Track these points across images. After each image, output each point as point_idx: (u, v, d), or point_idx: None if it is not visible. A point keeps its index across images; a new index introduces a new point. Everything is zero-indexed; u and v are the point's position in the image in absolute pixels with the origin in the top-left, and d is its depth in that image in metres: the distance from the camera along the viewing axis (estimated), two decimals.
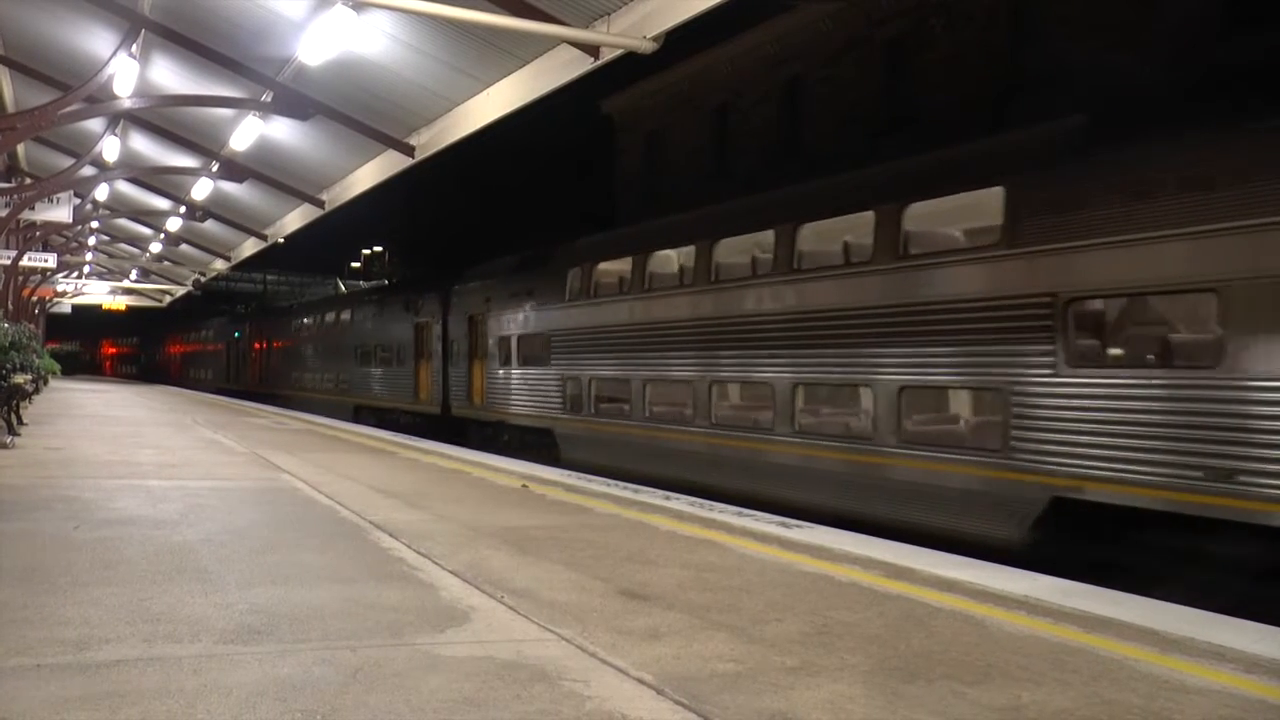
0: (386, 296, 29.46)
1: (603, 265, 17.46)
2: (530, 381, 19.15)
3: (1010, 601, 6.24)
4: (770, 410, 13.04)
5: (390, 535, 8.00)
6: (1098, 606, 6.13)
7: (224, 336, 51.06)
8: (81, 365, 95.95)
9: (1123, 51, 17.00)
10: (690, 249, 15.06)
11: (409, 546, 7.53)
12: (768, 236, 13.56)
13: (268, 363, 42.22)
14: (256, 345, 43.84)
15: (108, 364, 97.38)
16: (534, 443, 18.73)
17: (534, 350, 19.14)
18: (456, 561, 6.99)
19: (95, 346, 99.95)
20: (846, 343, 11.95)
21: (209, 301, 67.45)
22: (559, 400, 18.00)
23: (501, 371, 20.37)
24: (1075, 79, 17.25)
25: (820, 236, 13.08)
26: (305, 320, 37.83)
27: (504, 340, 20.30)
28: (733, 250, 14.56)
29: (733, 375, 14.04)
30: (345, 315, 32.50)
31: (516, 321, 19.89)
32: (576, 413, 17.40)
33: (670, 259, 16.01)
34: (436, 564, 6.91)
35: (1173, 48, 16.26)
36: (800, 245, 13.08)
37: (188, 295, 53.69)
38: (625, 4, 11.65)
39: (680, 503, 10.67)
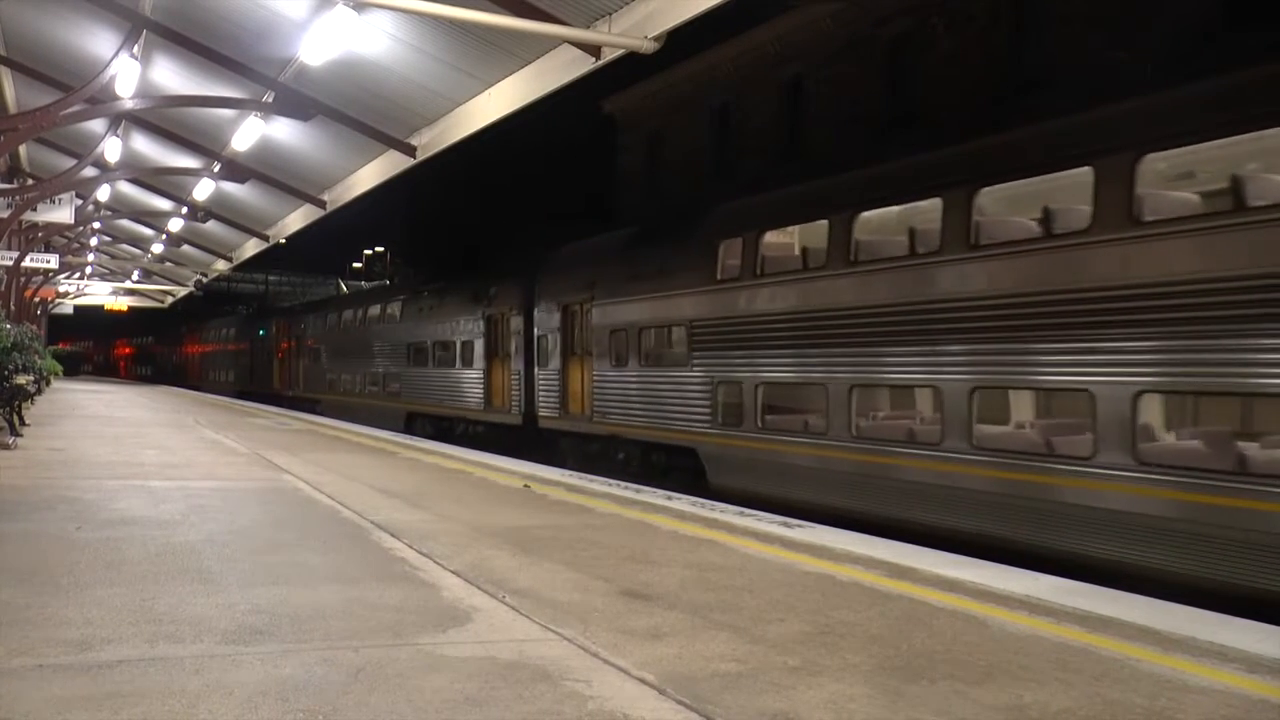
0: (448, 286, 25.12)
1: (775, 233, 13.74)
2: (659, 386, 15.33)
3: (1012, 601, 6.23)
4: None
5: (392, 535, 8.00)
6: (1099, 606, 6.13)
7: (247, 335, 46.52)
8: (95, 366, 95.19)
9: (1124, 50, 16.98)
10: (933, 203, 10.89)
11: (411, 547, 7.53)
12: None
13: (298, 364, 37.72)
14: (284, 344, 39.58)
15: (121, 364, 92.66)
16: (664, 464, 15.31)
17: (665, 346, 15.59)
18: (458, 562, 6.99)
19: (109, 347, 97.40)
20: None
21: (214, 302, 67.33)
22: (705, 410, 14.13)
23: (615, 373, 16.50)
24: (1077, 77, 17.24)
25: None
26: (345, 315, 33.14)
27: (618, 334, 16.49)
28: (1013, 200, 10.70)
29: (1030, 380, 9.94)
30: (394, 309, 28.38)
31: (637, 310, 16.01)
32: (733, 427, 13.54)
33: (898, 219, 12.03)
34: (438, 564, 6.91)
35: (1173, 46, 16.24)
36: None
37: (189, 296, 53.66)
38: (627, 4, 11.65)
39: (682, 502, 10.67)
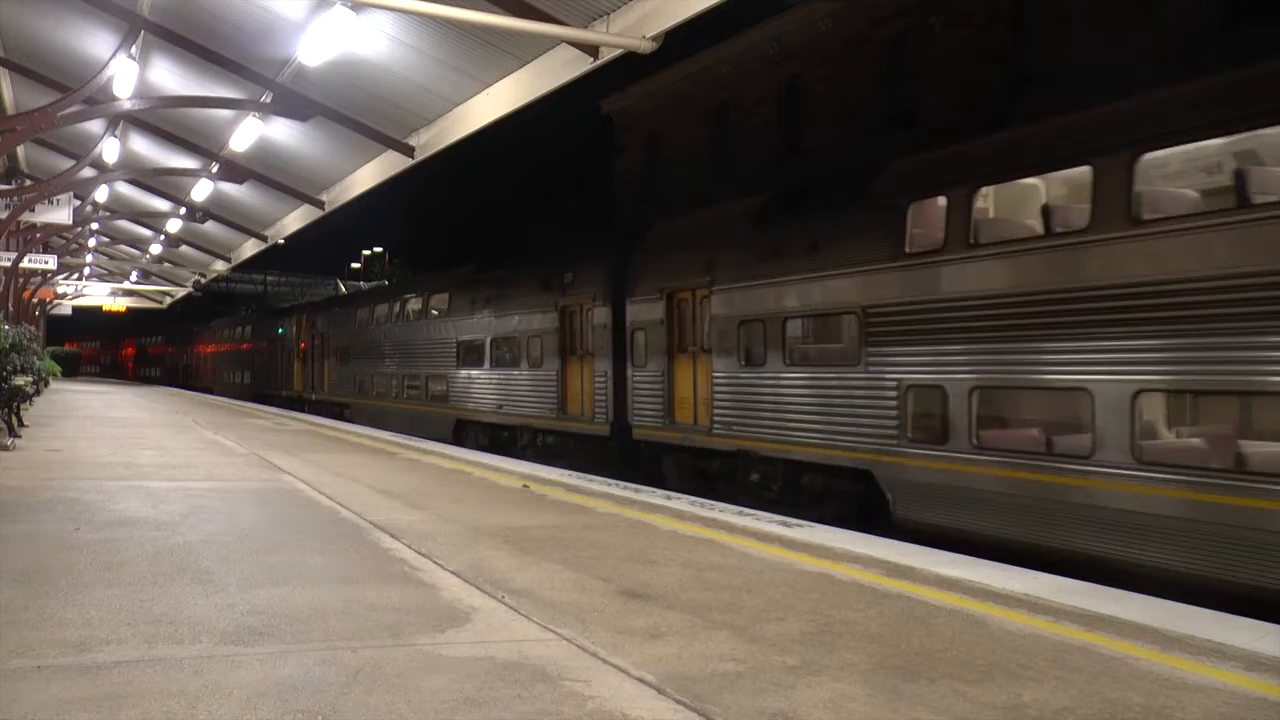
0: (510, 274, 21.60)
1: (999, 188, 10.76)
2: (815, 391, 12.35)
3: (1011, 600, 6.24)
4: None
5: (391, 536, 8.00)
6: (1098, 604, 6.13)
7: (264, 333, 42.77)
8: (103, 368, 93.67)
9: (1122, 49, 16.98)
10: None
11: (410, 547, 7.53)
12: None
13: (322, 364, 33.99)
14: (306, 343, 35.98)
15: (129, 366, 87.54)
16: (820, 489, 12.42)
17: (822, 340, 12.79)
18: (457, 562, 6.99)
19: (116, 348, 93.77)
20: None
21: (215, 302, 67.20)
22: (886, 422, 11.17)
23: (746, 375, 13.51)
24: (1075, 77, 17.23)
25: None
26: (378, 310, 29.62)
27: (750, 326, 13.58)
28: None
29: None
30: (440, 301, 24.94)
31: (777, 296, 13.09)
32: (932, 444, 10.62)
33: (1218, 156, 9.06)
34: (437, 564, 6.91)
35: (1172, 45, 16.24)
36: None
37: (190, 296, 53.59)
38: (624, 4, 11.66)
39: (681, 502, 10.68)
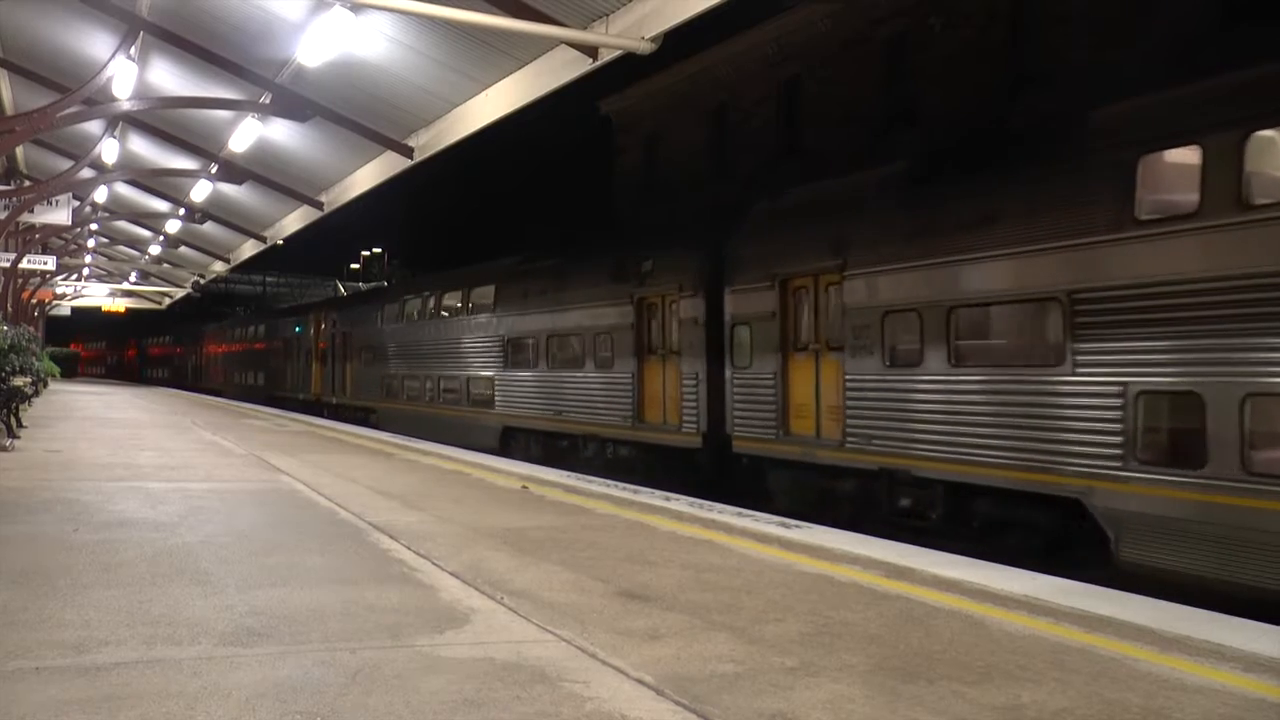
0: (571, 263, 19.36)
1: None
2: (991, 396, 10.23)
3: (1010, 601, 6.24)
4: None
5: (390, 537, 8.00)
6: (1097, 605, 6.13)
7: (280, 333, 39.94)
8: (108, 369, 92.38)
9: (1122, 49, 16.99)
10: None
11: (409, 548, 7.53)
12: None
13: (345, 366, 31.33)
14: (326, 343, 33.43)
15: (135, 366, 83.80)
16: (1002, 518, 10.29)
17: (1004, 335, 10.59)
18: (456, 563, 6.99)
19: (122, 348, 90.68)
20: None
21: (215, 303, 67.05)
22: (1106, 437, 8.99)
23: (897, 378, 11.35)
24: (1075, 77, 17.24)
25: None
26: (409, 306, 27.08)
27: (897, 317, 11.37)
28: None
29: None
30: (483, 295, 22.47)
31: (938, 280, 10.86)
32: (1173, 467, 8.52)
33: None
34: (436, 565, 6.91)
35: (1172, 45, 16.24)
36: None
37: (192, 297, 53.46)
38: (623, 5, 11.67)
39: (680, 503, 10.67)
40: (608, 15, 11.92)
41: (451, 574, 6.64)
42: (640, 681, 4.46)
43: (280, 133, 20.55)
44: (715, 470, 14.44)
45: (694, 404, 14.90)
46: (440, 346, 24.38)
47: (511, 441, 20.31)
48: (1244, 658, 5.08)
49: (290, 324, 38.72)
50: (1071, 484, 9.26)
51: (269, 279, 77.06)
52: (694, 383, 14.94)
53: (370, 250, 74.52)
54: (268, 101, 18.12)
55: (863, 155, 19.46)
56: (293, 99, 17.52)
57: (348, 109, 17.97)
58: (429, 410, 24.50)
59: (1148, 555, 8.61)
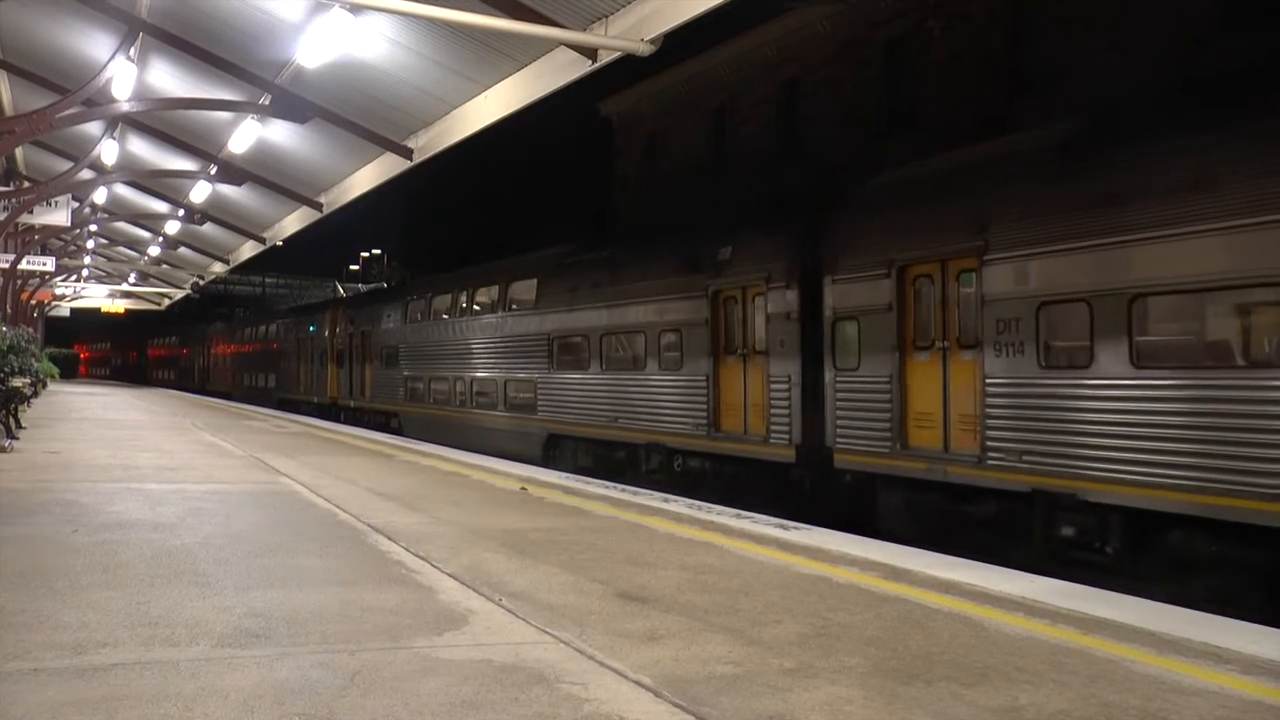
0: (631, 252, 17.55)
1: None
2: (1195, 406, 8.43)
3: (1008, 603, 6.24)
4: None
5: (388, 538, 8.00)
6: (1095, 608, 6.13)
7: (293, 332, 37.94)
8: (113, 370, 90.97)
9: (1122, 52, 17.00)
10: None
11: (407, 549, 7.53)
12: None
13: (364, 367, 29.71)
14: (344, 343, 31.80)
15: (141, 368, 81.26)
16: (1206, 554, 8.51)
17: (1213, 328, 8.67)
18: (455, 564, 6.99)
19: (125, 350, 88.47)
20: None
21: (215, 304, 66.90)
22: None
23: (1056, 382, 9.60)
24: (1074, 80, 17.26)
25: None
26: (436, 302, 25.26)
27: (1060, 310, 9.65)
28: None
29: None
30: (525, 290, 20.56)
31: (1118, 265, 9.04)
32: None
33: None
34: (435, 567, 6.91)
35: (1172, 48, 16.25)
36: None
37: (193, 298, 53.35)
38: (623, 7, 11.66)
39: (678, 505, 10.66)
40: (607, 17, 11.92)
41: (450, 575, 6.64)
42: (638, 683, 4.46)
43: (280, 134, 20.55)
44: (812, 487, 12.71)
45: (785, 411, 13.10)
46: (473, 346, 22.48)
47: (557, 450, 18.60)
48: (1243, 660, 5.08)
49: (303, 323, 36.75)
50: None
51: (268, 280, 77.02)
52: (785, 386, 13.14)
53: (370, 251, 74.51)
54: (267, 103, 18.11)
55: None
56: (292, 100, 17.52)
57: (347, 110, 17.97)
58: (459, 415, 22.80)
59: None
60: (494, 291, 22.05)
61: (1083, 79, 17.03)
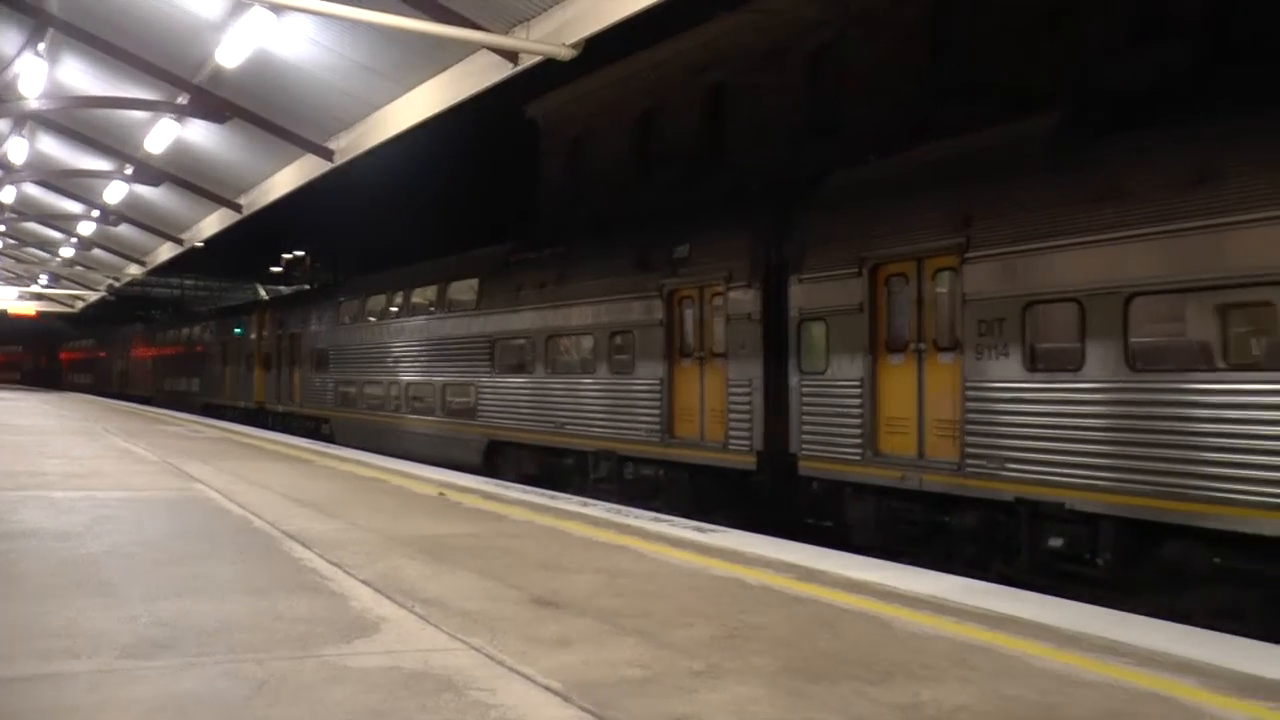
0: (578, 250, 16.90)
1: None
2: (1204, 411, 7.95)
3: (917, 601, 6.36)
4: None
5: (303, 545, 7.91)
6: (1000, 605, 6.28)
7: (219, 334, 36.63)
8: (25, 375, 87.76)
9: (1038, 66, 17.39)
10: None
11: (322, 556, 7.46)
12: None
13: (293, 370, 28.49)
14: (271, 346, 30.67)
15: (56, 372, 78.20)
16: (1215, 570, 8.03)
17: (1234, 327, 8.15)
18: (369, 571, 6.94)
19: (38, 353, 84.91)
20: None
21: (132, 306, 65.24)
22: None
23: (1044, 385, 9.18)
24: (993, 92, 17.60)
25: None
26: (374, 303, 24.13)
27: (1047, 310, 9.27)
28: None
29: None
30: (466, 290, 19.76)
31: (1112, 263, 8.63)
32: None
33: None
34: (349, 574, 6.86)
35: (1083, 62, 16.68)
36: None
37: (103, 300, 52.03)
38: (545, 11, 11.65)
39: (597, 509, 10.69)
40: (529, 20, 11.89)
41: (364, 583, 6.59)
42: (547, 688, 4.48)
43: (198, 134, 20.18)
44: (775, 496, 12.16)
45: (746, 416, 12.43)
46: (410, 349, 21.56)
47: (498, 457, 17.91)
48: (1137, 653, 5.25)
49: (229, 325, 35.43)
50: None
51: (188, 282, 75.44)
52: (746, 390, 12.48)
53: (294, 253, 73.38)
54: (185, 102, 17.78)
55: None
56: (211, 100, 17.23)
57: (267, 111, 17.70)
58: (394, 420, 21.79)
59: None
60: (432, 292, 21.25)
61: (999, 91, 17.38)
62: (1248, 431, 7.50)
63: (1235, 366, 7.85)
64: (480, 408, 18.37)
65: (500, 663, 4.86)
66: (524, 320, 17.30)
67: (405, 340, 21.81)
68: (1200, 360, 8.08)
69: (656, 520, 9.83)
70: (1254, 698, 4.56)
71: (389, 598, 6.17)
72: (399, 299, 22.74)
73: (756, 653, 5.12)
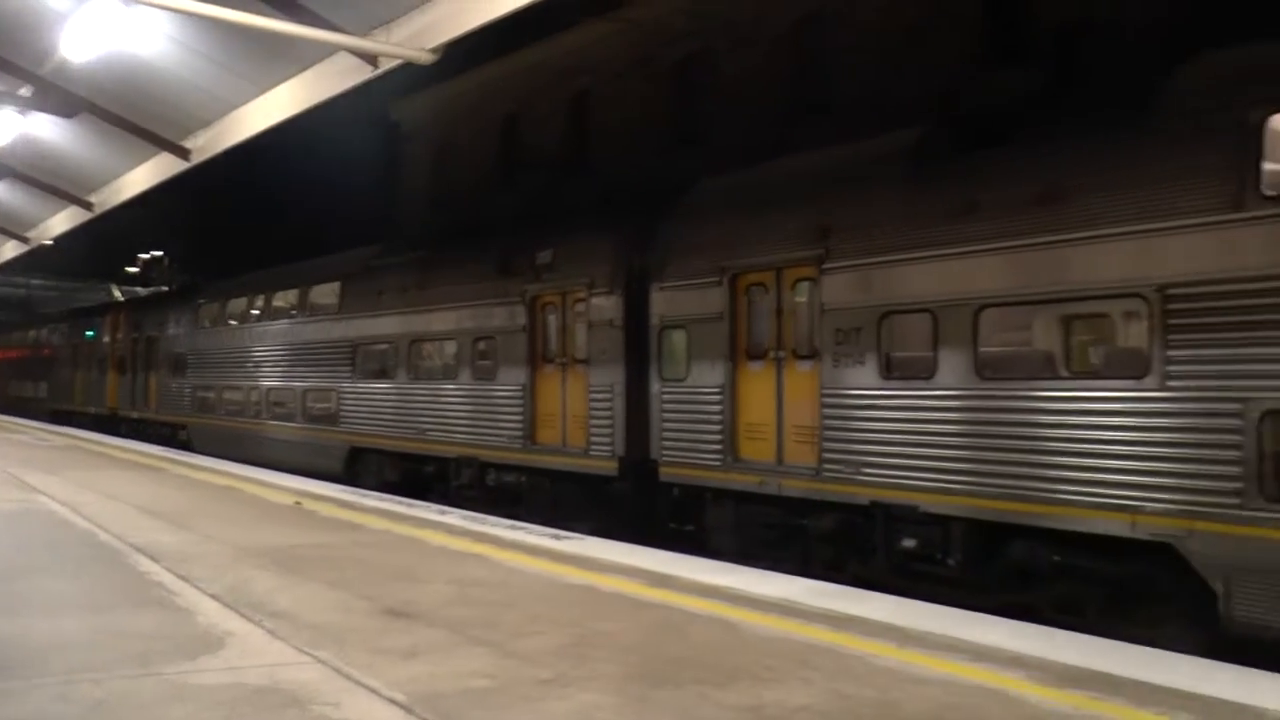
0: (439, 255, 16.96)
1: None
2: (1034, 416, 8.40)
3: (765, 604, 6.52)
4: None
5: (151, 558, 7.70)
6: (847, 605, 6.48)
7: (68, 337, 35.28)
8: None
9: (901, 83, 17.90)
10: None
11: (170, 570, 7.27)
12: None
13: (148, 375, 27.65)
14: (124, 350, 29.46)
15: None
16: (1053, 566, 8.45)
17: (1056, 339, 8.69)
18: (218, 584, 6.80)
19: None
20: None
21: None
22: (1214, 468, 7.30)
23: (897, 393, 9.45)
24: (858, 106, 18.06)
25: None
26: (235, 306, 23.55)
27: (902, 320, 9.52)
28: None
29: None
30: (327, 295, 19.42)
31: (962, 275, 8.99)
32: None
33: None
34: (197, 588, 6.70)
35: (944, 78, 17.25)
36: None
37: None
38: (405, 14, 11.55)
39: (453, 517, 10.64)
40: (389, 23, 11.76)
41: (212, 597, 6.46)
42: (392, 700, 4.48)
43: (45, 128, 19.32)
44: (637, 502, 12.18)
45: (607, 422, 12.42)
46: (271, 354, 20.96)
47: (360, 464, 17.52)
48: (972, 649, 5.49)
49: (80, 327, 33.97)
50: (1161, 525, 7.38)
51: (34, 282, 72.10)
52: (607, 397, 12.45)
53: (151, 254, 70.80)
54: (29, 94, 17.03)
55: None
56: (58, 93, 16.55)
57: (119, 107, 17.09)
58: (253, 426, 21.20)
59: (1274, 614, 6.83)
60: (294, 295, 20.68)
61: (859, 107, 17.85)
62: (1087, 436, 7.85)
63: (1076, 375, 8.18)
64: (342, 413, 18.04)
65: (347, 676, 4.83)
66: (386, 325, 17.02)
67: (266, 345, 21.25)
68: (1044, 369, 8.43)
69: (513, 528, 9.83)
70: (1075, 688, 4.81)
71: (237, 611, 6.06)
72: (260, 302, 22.15)
73: (604, 660, 5.19)
